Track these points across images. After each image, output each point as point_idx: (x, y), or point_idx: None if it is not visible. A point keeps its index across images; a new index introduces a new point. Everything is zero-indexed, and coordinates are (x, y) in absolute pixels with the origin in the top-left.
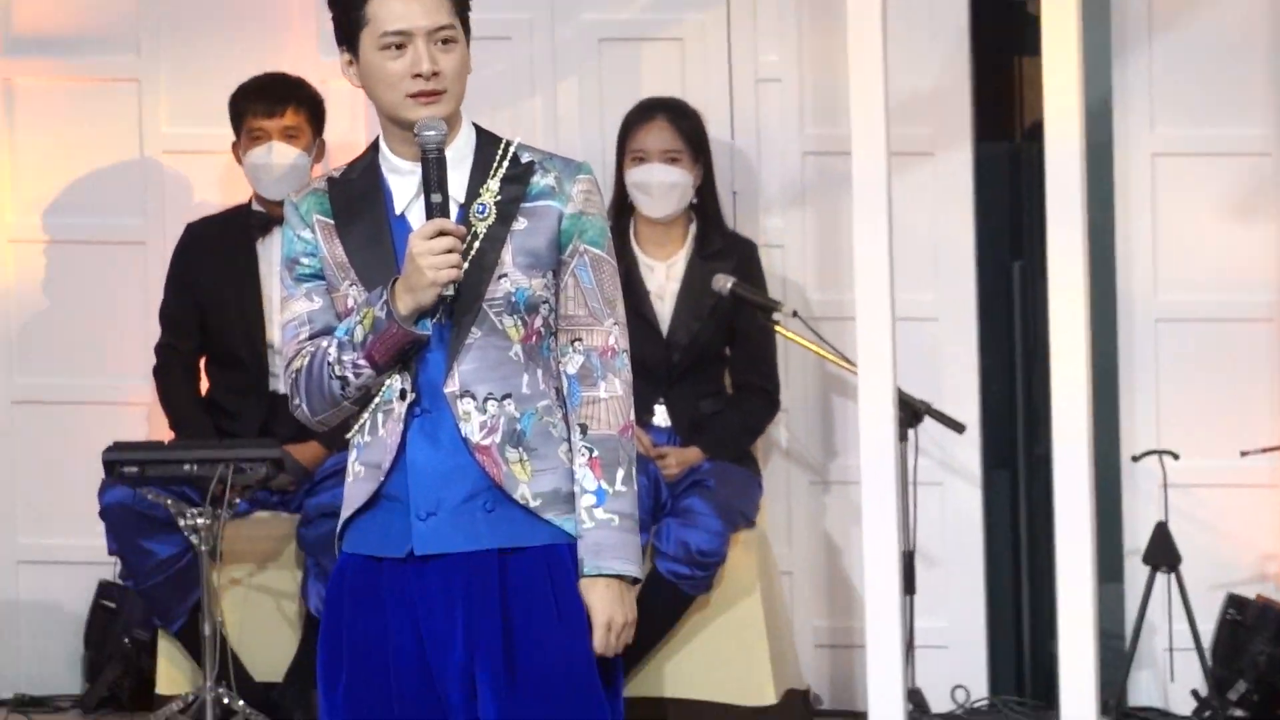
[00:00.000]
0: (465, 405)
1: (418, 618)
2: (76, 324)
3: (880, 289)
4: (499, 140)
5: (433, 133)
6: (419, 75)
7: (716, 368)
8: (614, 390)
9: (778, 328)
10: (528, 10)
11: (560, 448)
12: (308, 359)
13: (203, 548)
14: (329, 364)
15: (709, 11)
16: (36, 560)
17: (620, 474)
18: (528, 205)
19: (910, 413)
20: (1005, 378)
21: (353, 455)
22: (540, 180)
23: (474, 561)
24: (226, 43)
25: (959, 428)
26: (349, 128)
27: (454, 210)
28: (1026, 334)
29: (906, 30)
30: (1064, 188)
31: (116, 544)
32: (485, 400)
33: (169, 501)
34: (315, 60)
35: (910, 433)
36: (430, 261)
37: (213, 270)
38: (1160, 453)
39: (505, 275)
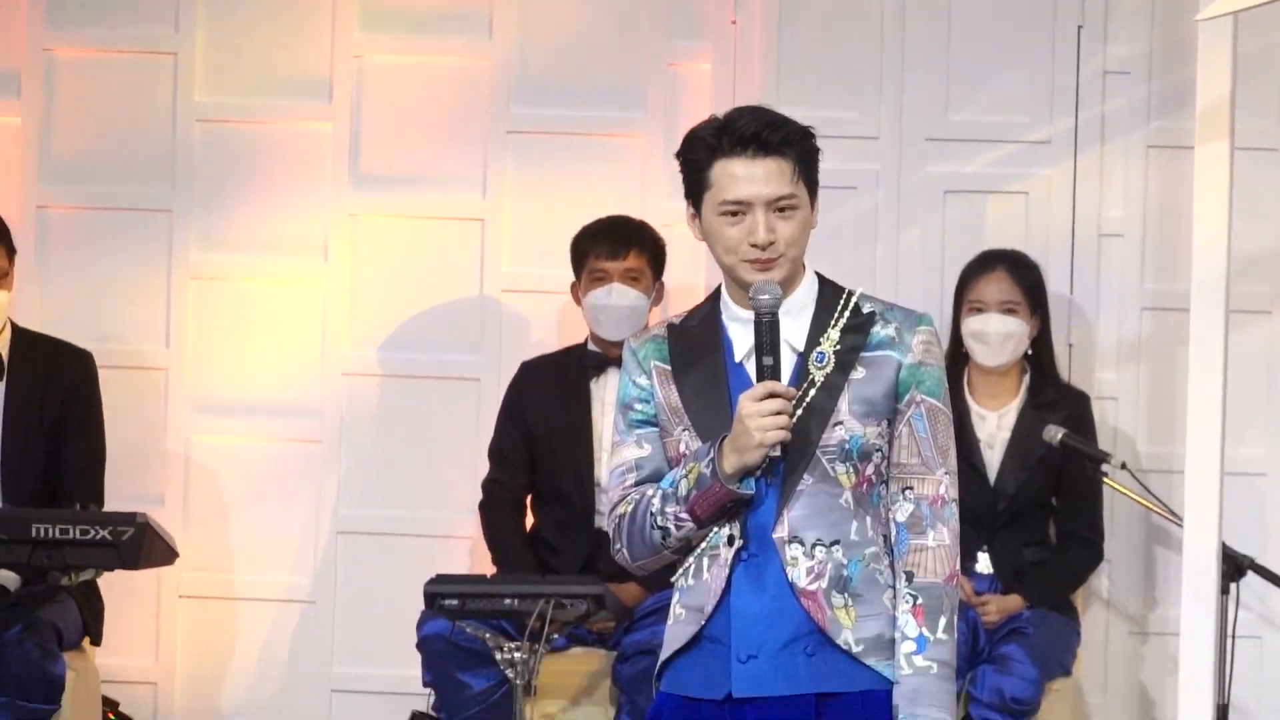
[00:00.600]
0: (793, 550)
1: None
2: (405, 458)
3: (1211, 443)
4: (841, 290)
5: (767, 297)
6: (755, 245)
7: (1042, 516)
8: (941, 539)
9: (1106, 479)
10: (875, 162)
11: (885, 594)
12: (632, 505)
13: (518, 681)
14: (652, 514)
15: (1056, 166)
16: (351, 690)
17: (942, 622)
18: (867, 355)
19: (1233, 566)
20: None
21: (676, 597)
22: (881, 331)
23: (791, 706)
24: (572, 185)
25: None
26: (689, 271)
27: (792, 359)
28: None
29: (1251, 189)
30: None
31: (432, 675)
32: (814, 546)
33: (487, 635)
34: (660, 204)
35: (1232, 586)
36: (759, 423)
37: (545, 407)
38: None
39: (841, 423)
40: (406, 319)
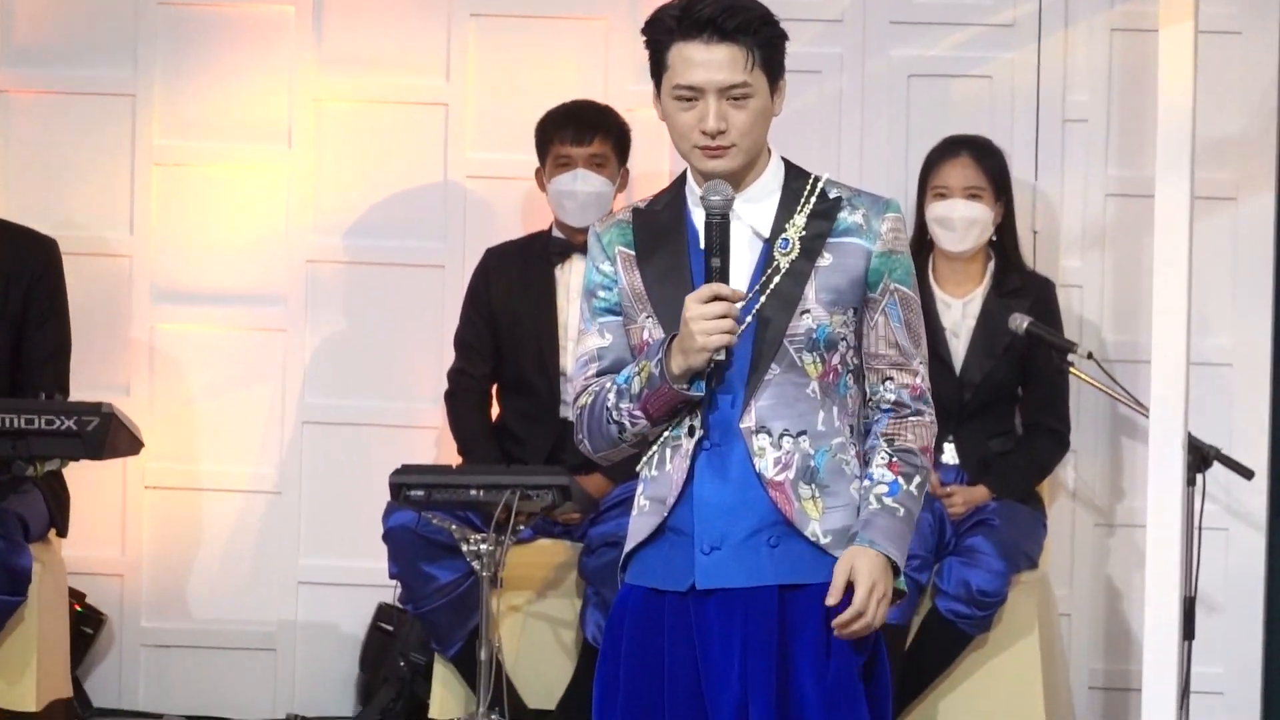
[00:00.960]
0: (760, 441)
1: (695, 652)
2: (371, 346)
3: (1176, 333)
4: (807, 176)
5: (717, 198)
6: (705, 131)
7: (1007, 406)
8: (921, 419)
9: (1071, 369)
10: (838, 45)
11: (852, 485)
12: (591, 398)
13: (484, 573)
14: (608, 408)
15: (1020, 51)
16: (317, 581)
17: (917, 480)
18: (834, 241)
19: (1199, 457)
20: None
21: (640, 488)
22: (848, 217)
23: (754, 598)
24: (536, 71)
25: (1248, 474)
26: (653, 157)
27: (758, 245)
28: None
29: (1216, 74)
30: None
31: (398, 567)
32: (781, 436)
33: (453, 526)
34: (625, 89)
35: (1198, 477)
36: (702, 326)
37: (510, 296)
38: None
39: (808, 311)
40: (371, 205)
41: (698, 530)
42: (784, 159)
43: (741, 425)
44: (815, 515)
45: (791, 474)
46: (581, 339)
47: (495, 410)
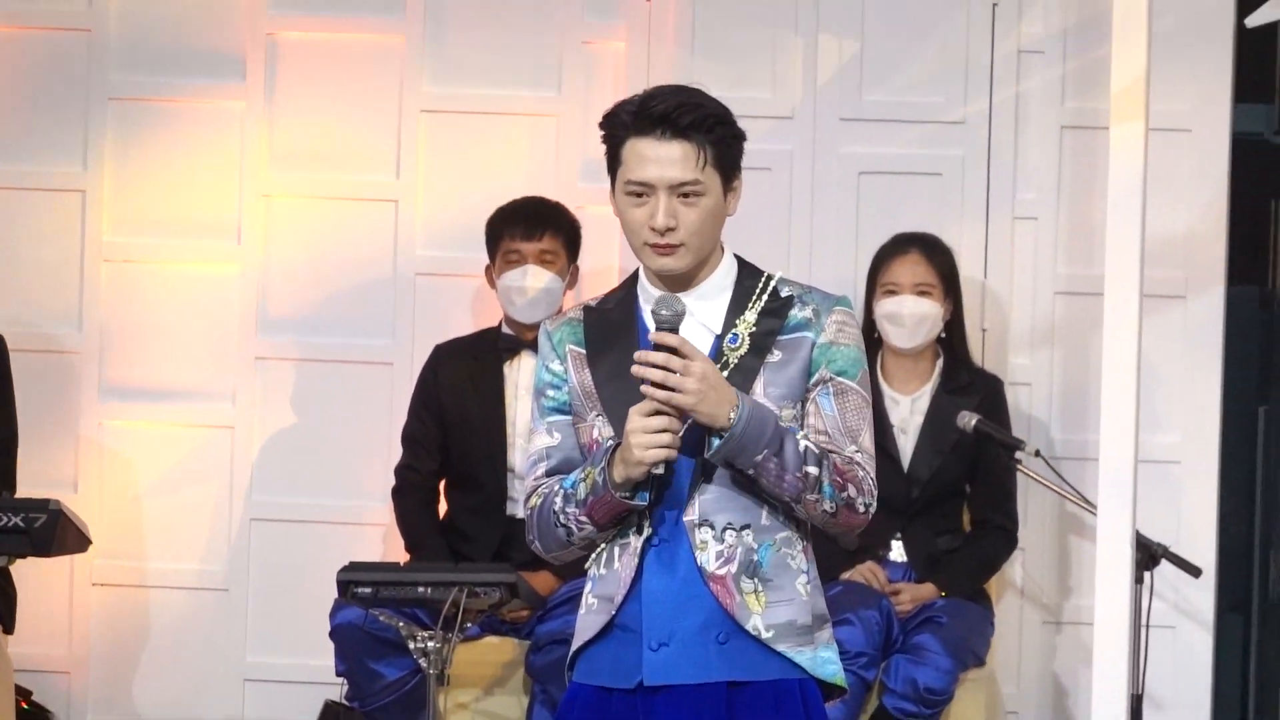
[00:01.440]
0: (703, 534)
1: None
2: (319, 443)
3: (1125, 431)
4: (760, 274)
5: (667, 313)
6: (654, 229)
7: (955, 504)
8: (849, 464)
9: (1020, 467)
10: (789, 142)
11: (798, 580)
12: (540, 499)
13: (431, 671)
14: (554, 512)
15: (970, 148)
16: (263, 679)
17: (810, 449)
18: (784, 338)
19: (1147, 555)
20: (1244, 522)
21: (588, 586)
22: (798, 313)
23: (703, 694)
24: (486, 167)
25: (1195, 572)
26: (604, 254)
27: (710, 340)
28: (1268, 478)
29: (1166, 172)
30: None
31: (345, 664)
32: (724, 530)
33: (400, 624)
34: (574, 186)
35: (1146, 575)
36: (641, 440)
37: (458, 392)
38: None
39: None
40: (320, 302)
41: (646, 626)
42: (737, 256)
43: (685, 519)
44: (758, 609)
45: (734, 568)
46: (532, 438)
47: (443, 507)
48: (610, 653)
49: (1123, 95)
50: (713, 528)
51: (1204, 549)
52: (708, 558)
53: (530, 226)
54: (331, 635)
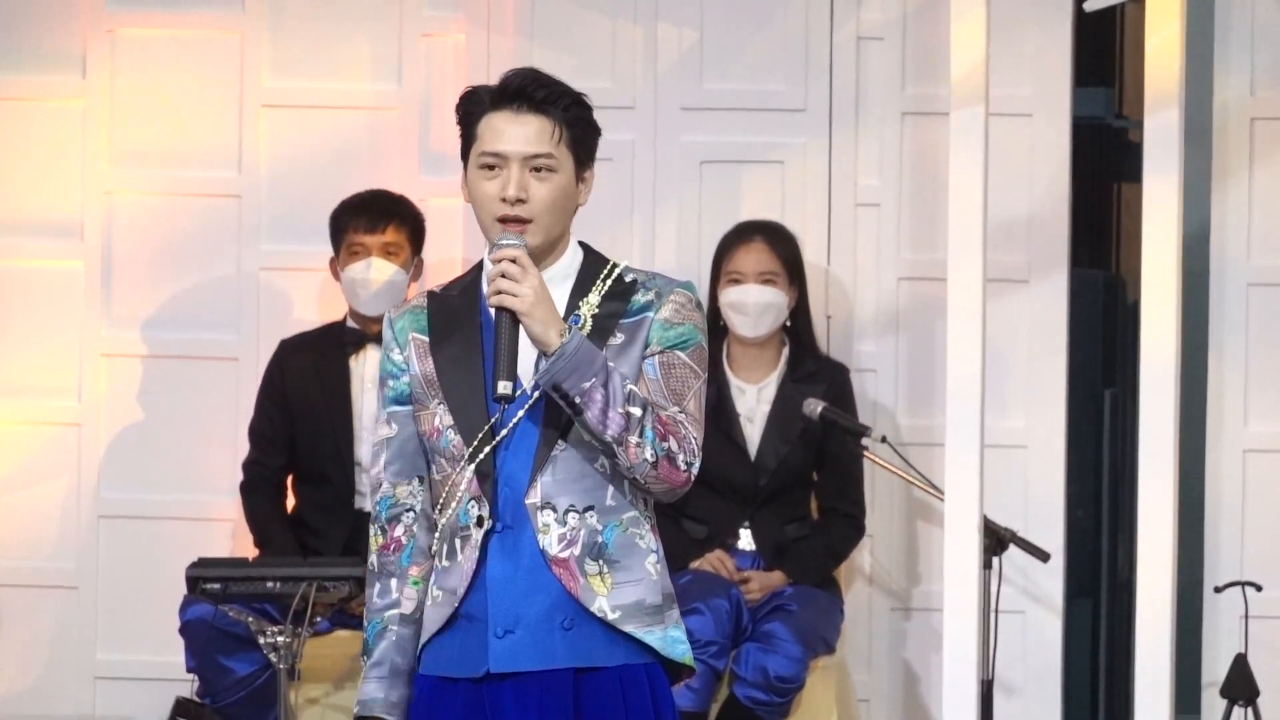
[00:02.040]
0: (545, 517)
1: None
2: (166, 439)
3: (971, 415)
4: (606, 262)
5: (507, 243)
6: (505, 200)
7: (803, 492)
8: (673, 419)
9: (866, 453)
10: (631, 132)
11: (647, 559)
12: (375, 587)
13: (281, 666)
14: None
15: (811, 135)
16: (114, 676)
17: (634, 392)
18: (626, 321)
19: (995, 540)
20: (1092, 505)
21: (432, 579)
22: (641, 298)
23: (548, 681)
24: (328, 161)
25: (1044, 556)
26: (447, 246)
27: None
28: (1115, 462)
29: (1007, 156)
30: (1159, 316)
31: (195, 661)
32: (566, 512)
33: (250, 619)
34: (416, 179)
35: (994, 560)
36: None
37: (304, 387)
38: (1243, 584)
39: None
40: (165, 298)
41: (491, 614)
42: (583, 245)
43: (527, 502)
44: (603, 591)
45: (577, 550)
46: (376, 427)
47: (291, 501)
48: (456, 643)
49: (962, 80)
50: (555, 510)
51: (1052, 533)
52: (550, 541)
53: (373, 219)
54: (181, 631)
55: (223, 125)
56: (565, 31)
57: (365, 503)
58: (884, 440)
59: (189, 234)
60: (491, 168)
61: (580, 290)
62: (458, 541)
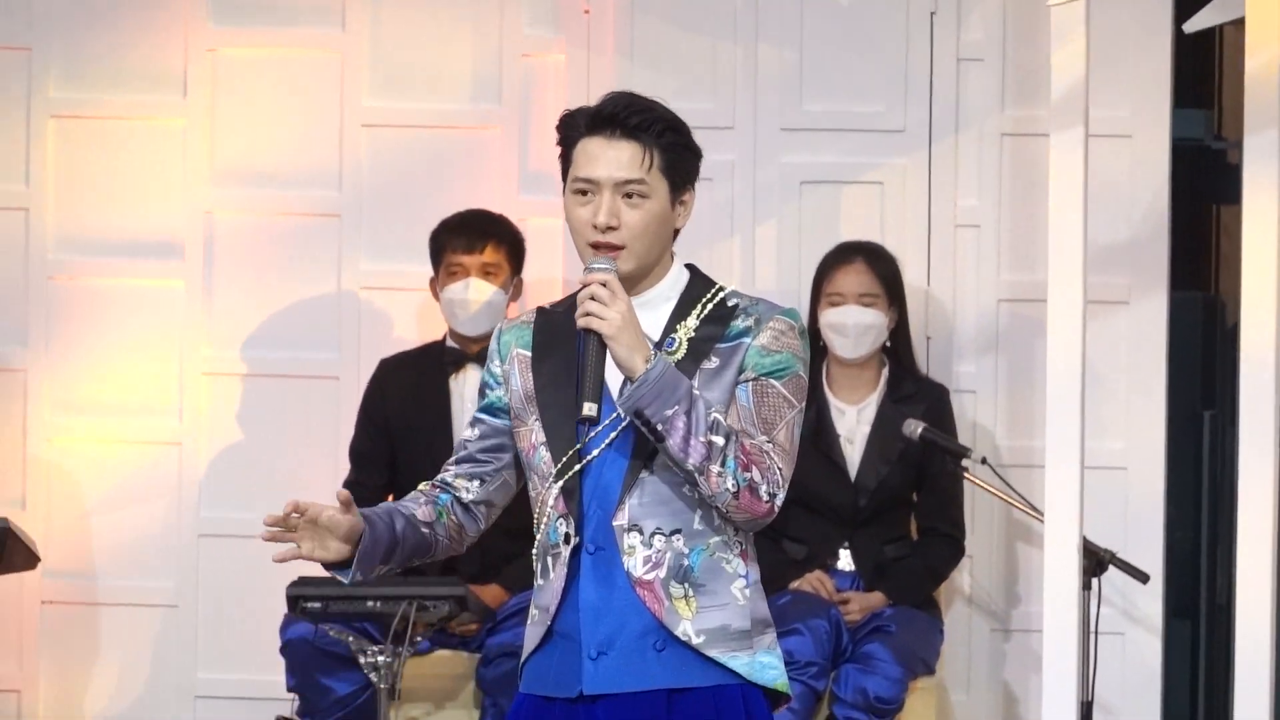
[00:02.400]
0: (631, 539)
1: None
2: (266, 458)
3: (1071, 437)
4: (711, 285)
5: (601, 265)
6: (595, 226)
7: (903, 512)
8: (756, 449)
9: (966, 474)
10: (730, 152)
11: (734, 584)
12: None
13: (382, 685)
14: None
15: (911, 156)
16: (214, 695)
17: (718, 420)
18: (723, 346)
19: (1095, 561)
20: (1191, 527)
21: (533, 598)
22: (740, 323)
23: (642, 702)
24: (428, 180)
25: (1143, 577)
26: (547, 266)
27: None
28: (1214, 483)
29: (1107, 178)
30: (1258, 336)
31: (296, 679)
32: (652, 535)
33: (350, 638)
34: (515, 198)
35: (1094, 581)
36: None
37: (404, 406)
38: None
39: None
40: (265, 317)
41: (584, 635)
42: (691, 268)
43: (615, 524)
44: (688, 615)
45: (662, 573)
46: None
47: None
48: (553, 662)
49: (1062, 101)
50: (641, 533)
51: (1151, 554)
52: (635, 563)
53: (472, 239)
54: (282, 650)
55: (323, 145)
56: (665, 52)
57: None
58: (984, 461)
59: (289, 253)
60: (585, 193)
61: (681, 313)
62: (550, 559)
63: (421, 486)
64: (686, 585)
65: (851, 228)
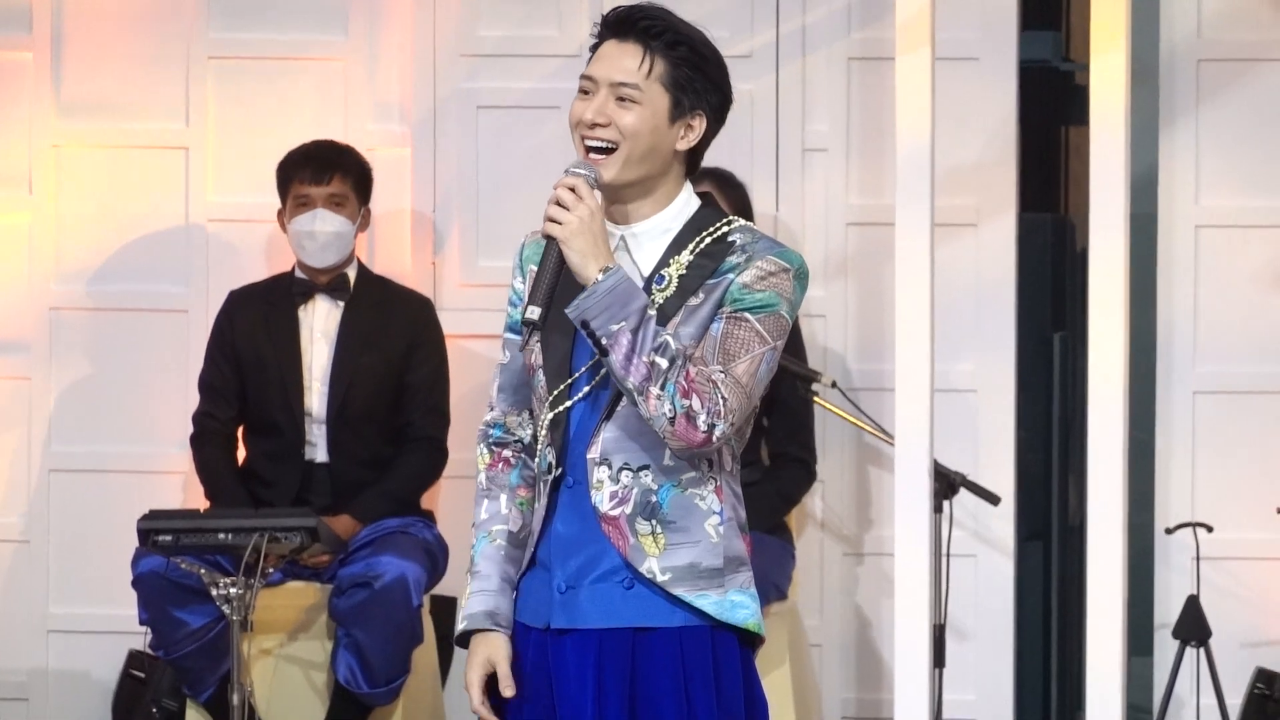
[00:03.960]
0: (599, 474)
1: (553, 690)
2: (115, 392)
3: (920, 360)
4: (720, 218)
5: (585, 172)
6: (584, 121)
7: (753, 437)
8: (702, 377)
9: (816, 398)
10: (575, 80)
11: (707, 521)
12: (484, 502)
13: (234, 617)
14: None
15: (758, 81)
16: (67, 630)
17: (665, 344)
18: (711, 281)
19: (946, 484)
20: (1042, 449)
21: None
22: (734, 259)
23: (608, 639)
24: (274, 113)
25: (994, 500)
26: (396, 197)
27: (638, 282)
28: (1065, 405)
29: (954, 101)
30: (1107, 258)
31: (148, 613)
32: (620, 470)
33: (202, 570)
34: (365, 128)
35: (945, 504)
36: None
37: (254, 337)
38: (1194, 525)
39: None
40: (113, 251)
41: (555, 568)
42: (707, 199)
43: (588, 456)
44: (654, 552)
45: (628, 509)
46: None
47: (242, 453)
48: (532, 590)
49: (908, 24)
50: (610, 467)
51: (1003, 477)
52: (602, 498)
53: (318, 170)
54: (134, 584)
55: (170, 78)
56: None
57: (316, 453)
58: (834, 385)
59: (137, 187)
60: (585, 92)
61: (678, 245)
62: (541, 486)
63: (491, 475)
64: (654, 522)
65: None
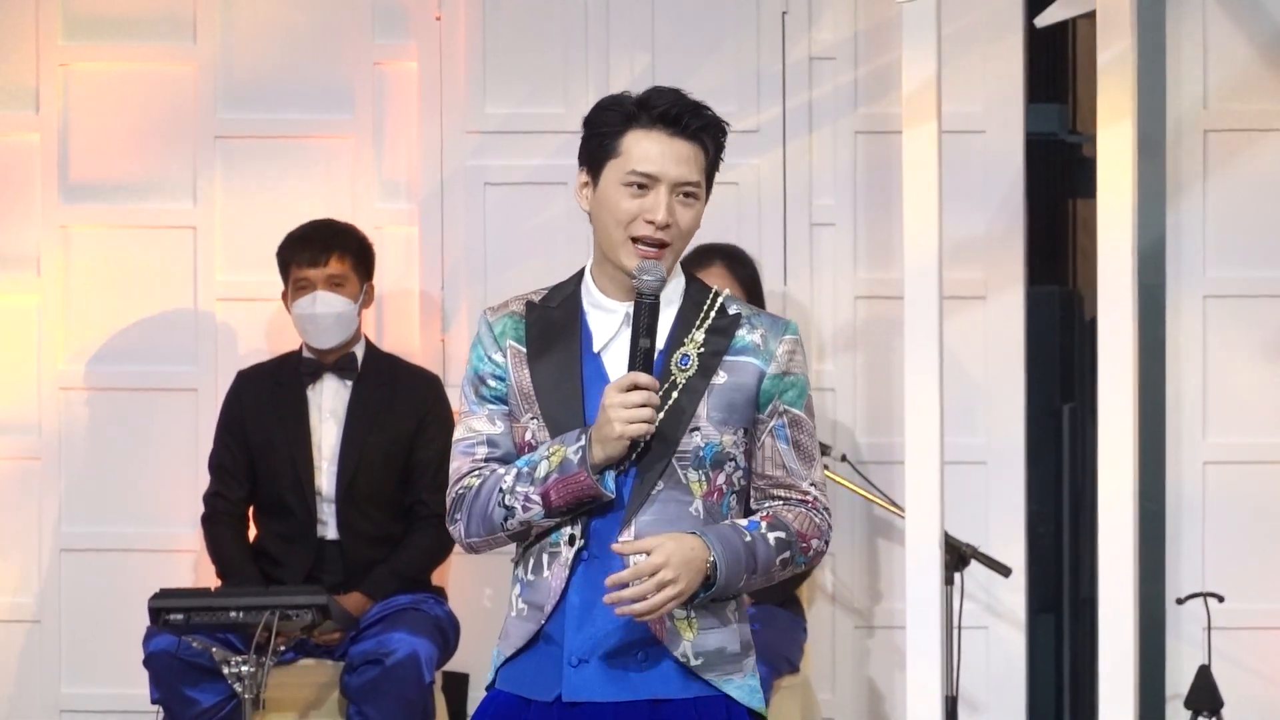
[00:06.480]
0: (637, 556)
1: None
2: (125, 472)
3: (930, 433)
4: (708, 290)
5: (650, 278)
6: (651, 222)
7: None
8: (806, 513)
9: (827, 472)
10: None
11: (728, 607)
12: (480, 480)
13: (246, 695)
14: (501, 490)
15: (765, 156)
16: (79, 710)
17: (778, 536)
18: (730, 359)
19: (957, 556)
20: (1052, 520)
21: (515, 590)
22: (746, 335)
23: (623, 710)
24: (284, 189)
25: (1005, 571)
26: (404, 275)
27: (656, 357)
28: (1075, 476)
29: (961, 173)
30: (1116, 330)
31: (160, 692)
32: None
33: (213, 649)
34: (372, 206)
35: (956, 576)
36: (621, 415)
37: (263, 417)
38: (1205, 595)
39: (698, 429)
40: (121, 330)
41: (568, 641)
42: (685, 269)
43: (621, 539)
44: (688, 636)
45: None
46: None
47: (253, 532)
48: (534, 663)
49: (914, 98)
50: (647, 553)
51: (1013, 549)
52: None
53: (316, 252)
54: (145, 663)
55: (177, 157)
56: (517, 58)
57: (327, 531)
58: (844, 459)
59: (145, 266)
60: (641, 186)
61: (685, 320)
62: (546, 557)
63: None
64: (689, 607)
65: (708, 229)
